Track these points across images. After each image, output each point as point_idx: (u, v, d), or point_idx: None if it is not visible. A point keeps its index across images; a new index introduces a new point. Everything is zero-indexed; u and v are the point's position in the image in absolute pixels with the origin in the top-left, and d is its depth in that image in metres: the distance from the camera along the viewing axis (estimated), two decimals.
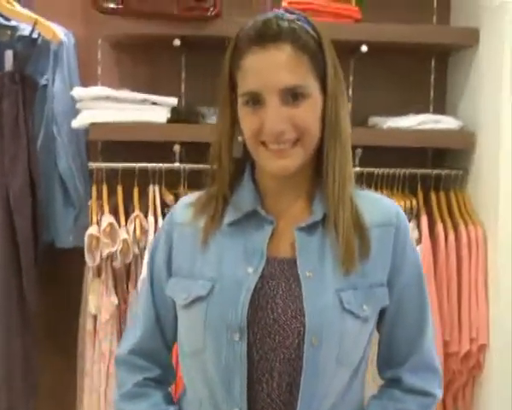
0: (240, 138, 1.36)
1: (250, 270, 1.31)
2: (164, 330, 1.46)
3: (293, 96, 1.27)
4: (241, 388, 1.29)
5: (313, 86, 1.29)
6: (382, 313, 1.39)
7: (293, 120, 1.27)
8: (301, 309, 1.28)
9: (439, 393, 1.44)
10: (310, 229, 1.34)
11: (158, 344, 1.47)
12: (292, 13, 1.32)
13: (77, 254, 2.69)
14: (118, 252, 2.48)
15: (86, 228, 2.63)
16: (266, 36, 1.27)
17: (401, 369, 1.41)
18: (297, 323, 1.28)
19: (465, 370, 2.60)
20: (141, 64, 2.88)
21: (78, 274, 2.72)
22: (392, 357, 1.43)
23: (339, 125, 1.32)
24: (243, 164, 1.40)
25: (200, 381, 1.35)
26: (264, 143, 1.30)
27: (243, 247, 1.34)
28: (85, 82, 2.75)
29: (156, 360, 1.47)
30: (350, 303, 1.30)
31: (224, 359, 1.29)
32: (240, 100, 1.31)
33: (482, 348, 2.58)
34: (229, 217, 1.37)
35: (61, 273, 2.84)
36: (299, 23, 1.30)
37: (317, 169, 1.36)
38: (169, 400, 1.47)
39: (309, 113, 1.29)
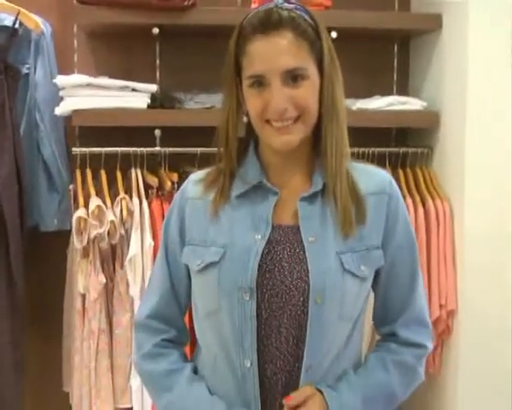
0: (245, 118, 1.52)
1: (258, 236, 1.46)
2: (178, 296, 1.61)
3: (293, 78, 1.42)
4: (252, 342, 1.44)
5: (311, 69, 1.45)
6: (377, 273, 1.55)
7: (295, 99, 1.43)
8: (306, 271, 1.44)
9: (431, 345, 1.60)
10: (311, 198, 1.50)
11: (173, 309, 1.61)
12: (290, 3, 1.48)
13: (60, 237, 2.84)
14: (105, 233, 2.60)
15: (69, 211, 2.76)
16: (269, 24, 1.41)
17: (395, 324, 1.57)
18: (302, 283, 1.44)
19: (435, 334, 2.79)
20: (116, 52, 3.00)
21: (62, 256, 2.86)
22: (387, 314, 1.59)
23: (335, 104, 1.49)
24: (247, 142, 1.56)
25: (214, 339, 1.50)
26: (268, 122, 1.45)
27: (251, 216, 1.50)
28: (62, 70, 2.85)
29: (172, 323, 1.62)
30: (349, 264, 1.46)
31: (237, 317, 1.44)
32: (245, 82, 1.46)
33: (451, 313, 2.79)
34: (236, 190, 1.52)
35: (45, 256, 2.96)
36: (297, 12, 1.45)
37: (315, 145, 1.52)
38: (185, 358, 1.63)
39: (308, 93, 1.44)
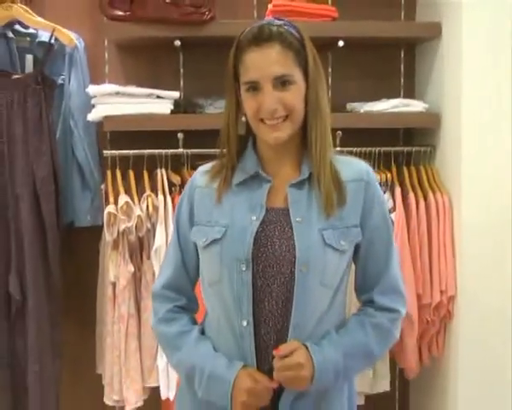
0: (243, 119, 1.81)
1: (253, 218, 1.76)
2: (188, 270, 1.91)
3: (282, 83, 1.72)
4: (248, 306, 1.73)
5: (297, 75, 1.74)
6: (357, 249, 1.82)
7: (283, 100, 1.72)
8: (293, 245, 1.73)
9: (404, 310, 1.87)
10: (299, 185, 1.79)
11: (184, 280, 1.91)
12: (280, 19, 1.78)
13: (93, 232, 3.13)
14: (133, 227, 2.89)
15: (100, 208, 3.05)
16: (261, 38, 1.71)
17: (373, 292, 1.84)
18: (290, 256, 1.73)
19: (437, 319, 3.04)
20: (143, 63, 3.28)
21: (95, 250, 3.14)
22: (366, 284, 1.86)
23: (319, 104, 1.77)
24: (246, 139, 1.86)
25: (218, 304, 1.80)
26: (262, 120, 1.74)
27: (248, 201, 1.79)
28: (94, 80, 3.14)
29: (183, 293, 1.92)
30: (330, 239, 1.74)
31: (235, 285, 1.74)
32: (242, 87, 1.75)
33: (451, 298, 3.01)
34: (236, 179, 1.82)
35: (79, 249, 3.25)
36: (285, 27, 1.75)
37: (303, 140, 1.81)
38: (194, 322, 1.93)
39: (295, 95, 1.73)
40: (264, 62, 1.70)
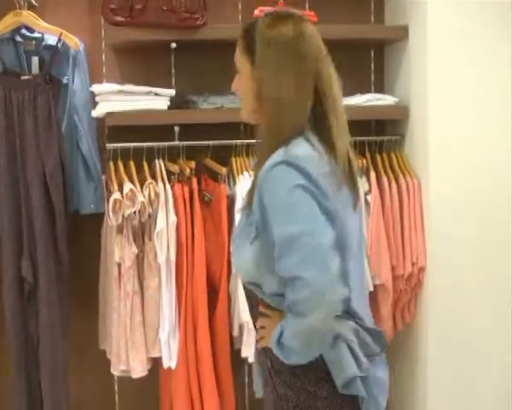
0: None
1: None
2: None
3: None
4: None
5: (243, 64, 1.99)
6: None
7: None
8: None
9: None
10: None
11: None
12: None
13: (95, 219, 3.46)
14: (137, 212, 3.25)
15: (102, 197, 3.40)
16: None
17: None
18: None
19: (409, 288, 3.45)
20: (137, 63, 3.62)
21: (97, 235, 3.48)
22: None
23: (266, 95, 1.96)
24: None
25: None
26: None
27: None
28: (93, 80, 3.47)
29: None
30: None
31: None
32: None
33: (421, 269, 3.42)
34: None
35: (82, 235, 3.58)
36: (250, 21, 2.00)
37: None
38: None
39: (240, 81, 2.06)
40: None
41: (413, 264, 3.40)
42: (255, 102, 1.96)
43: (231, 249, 2.06)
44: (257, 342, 2.08)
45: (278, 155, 1.84)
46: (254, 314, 2.06)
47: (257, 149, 2.06)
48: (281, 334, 1.84)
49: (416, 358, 3.55)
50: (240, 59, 1.99)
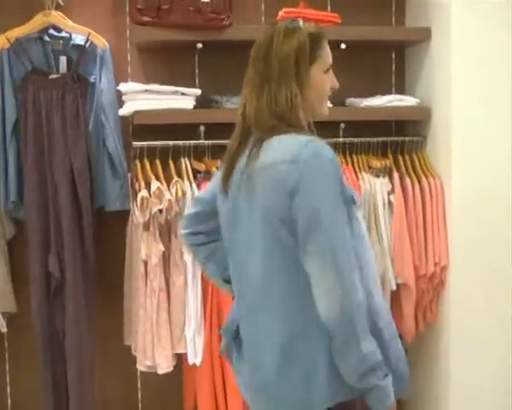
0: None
1: None
2: None
3: None
4: None
5: None
6: None
7: None
8: None
9: None
10: None
11: None
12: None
13: (119, 217, 3.52)
14: (164, 209, 3.32)
15: (128, 195, 3.46)
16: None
17: None
18: None
19: (431, 288, 3.51)
20: (161, 63, 3.69)
21: (122, 232, 3.55)
22: None
23: None
24: None
25: None
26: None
27: None
28: (118, 79, 3.54)
29: None
30: None
31: None
32: (322, 69, 2.10)
33: (444, 269, 3.49)
34: None
35: (107, 232, 3.64)
36: None
37: None
38: None
39: None
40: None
41: (435, 264, 3.47)
42: None
43: None
44: None
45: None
46: None
47: None
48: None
49: (437, 357, 3.61)
50: None
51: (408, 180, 3.50)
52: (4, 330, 3.47)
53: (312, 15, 3.48)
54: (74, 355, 3.40)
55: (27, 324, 3.49)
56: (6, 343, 3.71)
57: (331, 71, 2.14)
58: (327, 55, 2.14)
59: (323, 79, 2.11)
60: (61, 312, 3.42)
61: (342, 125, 3.53)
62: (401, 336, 3.63)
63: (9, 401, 3.76)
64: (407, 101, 3.63)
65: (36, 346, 3.43)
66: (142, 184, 3.35)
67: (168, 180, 3.39)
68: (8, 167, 3.36)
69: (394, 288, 3.46)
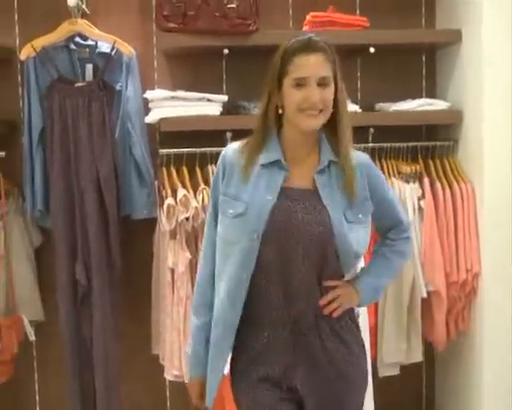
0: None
1: (269, 197, 2.18)
2: None
3: (323, 83, 2.15)
4: (252, 262, 2.16)
5: (331, 79, 2.18)
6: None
7: (323, 97, 2.15)
8: (321, 221, 2.16)
9: (409, 230, 2.44)
10: (322, 171, 2.22)
11: None
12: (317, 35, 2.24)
13: (146, 225, 3.52)
14: (190, 217, 3.31)
15: (155, 203, 3.46)
16: (310, 47, 2.16)
17: (389, 233, 2.40)
18: (317, 228, 2.15)
19: (463, 295, 3.46)
20: (188, 69, 3.69)
21: (148, 240, 3.55)
22: (383, 229, 2.42)
23: (345, 103, 2.25)
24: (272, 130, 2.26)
25: (231, 259, 2.21)
26: (302, 110, 2.15)
27: (267, 183, 2.20)
28: (144, 87, 3.55)
29: None
30: (350, 217, 2.20)
31: (245, 248, 2.16)
32: (289, 83, 2.15)
33: (476, 276, 3.44)
34: (261, 161, 2.22)
35: (133, 240, 3.63)
36: (325, 43, 2.20)
37: (319, 133, 2.26)
38: None
39: (330, 94, 2.18)
40: (313, 65, 2.16)
41: (467, 270, 3.43)
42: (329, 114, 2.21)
43: (338, 233, 2.19)
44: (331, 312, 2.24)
45: (357, 152, 2.31)
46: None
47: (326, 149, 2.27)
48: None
49: (470, 366, 3.56)
50: (330, 76, 2.18)
51: (439, 185, 3.47)
52: (32, 338, 3.48)
53: (341, 20, 3.46)
54: (101, 363, 3.42)
55: (55, 332, 3.51)
56: (34, 352, 3.73)
57: (311, 85, 2.15)
58: (295, 69, 2.16)
59: (290, 93, 2.17)
60: (88, 320, 3.44)
61: (371, 129, 3.50)
62: (432, 345, 3.62)
63: (38, 409, 3.77)
64: (438, 104, 3.59)
65: (64, 354, 3.45)
66: (169, 191, 3.35)
67: (195, 188, 3.39)
68: (35, 176, 3.39)
69: (425, 295, 3.42)
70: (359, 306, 2.33)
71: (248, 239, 2.16)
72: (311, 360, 2.21)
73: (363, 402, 2.32)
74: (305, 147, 2.24)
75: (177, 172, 3.45)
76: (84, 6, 3.47)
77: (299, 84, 2.15)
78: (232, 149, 2.32)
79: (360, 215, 2.22)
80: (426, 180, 3.46)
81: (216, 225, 2.29)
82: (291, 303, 2.19)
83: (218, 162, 2.33)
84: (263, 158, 2.22)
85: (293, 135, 2.23)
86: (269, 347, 2.22)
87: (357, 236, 2.20)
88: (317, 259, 2.17)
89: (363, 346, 2.34)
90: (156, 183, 3.49)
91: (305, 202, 2.19)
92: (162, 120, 3.36)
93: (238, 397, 2.31)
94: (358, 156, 2.28)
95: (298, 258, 2.16)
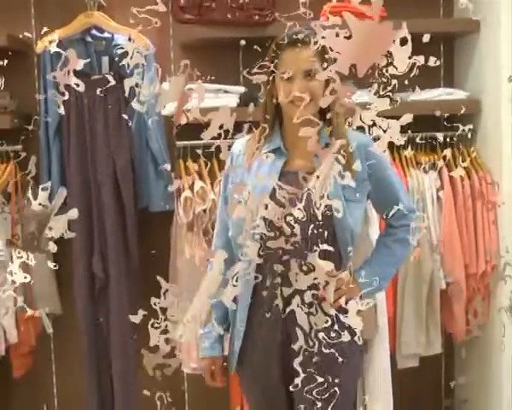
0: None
1: (270, 181, 2.18)
2: None
3: (309, 75, 2.26)
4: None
5: (319, 68, 2.22)
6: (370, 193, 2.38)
7: (309, 88, 2.25)
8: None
9: (413, 215, 2.43)
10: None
11: None
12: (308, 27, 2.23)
13: (164, 217, 3.54)
14: (207, 209, 3.32)
15: (172, 195, 3.47)
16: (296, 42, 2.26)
17: (390, 219, 2.43)
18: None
19: (482, 287, 3.46)
20: (205, 60, 3.69)
21: (165, 232, 3.55)
22: (383, 212, 2.45)
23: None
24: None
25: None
26: (292, 102, 2.26)
27: (269, 169, 2.31)
28: (161, 79, 3.56)
29: None
30: (349, 195, 2.27)
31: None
32: (279, 76, 2.29)
33: (495, 267, 3.43)
34: (264, 149, 2.34)
35: (151, 232, 3.65)
36: (310, 33, 2.23)
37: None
38: None
39: (317, 83, 2.26)
40: (298, 60, 2.27)
41: (487, 262, 3.42)
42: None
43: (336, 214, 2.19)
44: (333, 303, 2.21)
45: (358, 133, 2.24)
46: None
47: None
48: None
49: (490, 358, 3.54)
50: (316, 64, 2.25)
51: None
52: (50, 330, 3.50)
53: (358, 9, 3.43)
54: (119, 356, 3.45)
55: (73, 325, 3.54)
56: (52, 345, 3.76)
57: (296, 79, 2.28)
58: (283, 64, 2.30)
59: (280, 86, 2.33)
60: (105, 312, 3.45)
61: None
62: (452, 336, 3.61)
63: (56, 402, 3.81)
64: (456, 94, 3.57)
65: (81, 347, 3.47)
66: (186, 184, 3.35)
67: (212, 180, 3.40)
68: (52, 168, 3.41)
69: (444, 287, 3.41)
70: (361, 297, 2.32)
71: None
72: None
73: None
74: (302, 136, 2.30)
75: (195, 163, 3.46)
76: None
77: (287, 77, 2.28)
78: (240, 142, 2.47)
79: (358, 194, 2.32)
80: (444, 170, 3.45)
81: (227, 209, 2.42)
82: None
83: (228, 160, 2.49)
84: (265, 147, 2.36)
85: (290, 123, 2.33)
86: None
87: (354, 214, 2.32)
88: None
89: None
90: (173, 175, 3.50)
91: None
92: None
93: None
94: (358, 137, 2.28)
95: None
